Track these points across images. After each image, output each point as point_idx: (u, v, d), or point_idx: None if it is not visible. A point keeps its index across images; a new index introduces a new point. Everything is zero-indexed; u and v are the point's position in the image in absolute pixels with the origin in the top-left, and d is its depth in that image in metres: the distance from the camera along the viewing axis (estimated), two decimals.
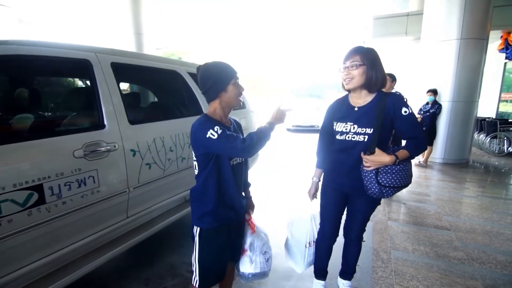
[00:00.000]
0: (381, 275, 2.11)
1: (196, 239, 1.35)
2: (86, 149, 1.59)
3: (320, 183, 1.80)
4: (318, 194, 1.82)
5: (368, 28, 9.84)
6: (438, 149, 5.70)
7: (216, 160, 1.29)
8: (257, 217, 1.65)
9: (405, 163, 1.42)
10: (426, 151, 5.43)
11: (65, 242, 1.55)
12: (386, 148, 1.46)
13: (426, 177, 4.82)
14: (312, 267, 1.92)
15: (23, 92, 1.94)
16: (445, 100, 5.49)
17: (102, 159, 1.67)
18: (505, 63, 8.23)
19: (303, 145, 8.43)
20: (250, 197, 1.64)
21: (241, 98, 1.38)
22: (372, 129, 1.42)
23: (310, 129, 11.53)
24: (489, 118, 7.66)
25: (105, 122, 1.75)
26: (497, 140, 6.76)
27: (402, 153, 1.41)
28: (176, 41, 18.63)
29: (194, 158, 1.32)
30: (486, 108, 8.49)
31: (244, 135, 1.31)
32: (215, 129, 1.20)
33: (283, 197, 3.88)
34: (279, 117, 1.35)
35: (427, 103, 5.39)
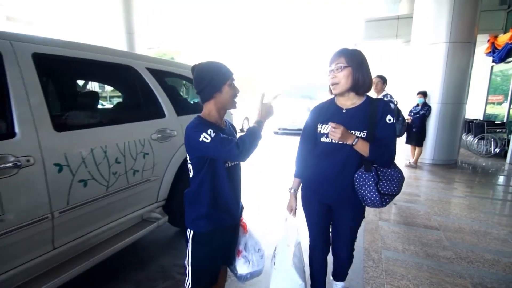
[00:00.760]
0: (372, 275, 2.12)
1: (190, 242, 1.33)
2: None
3: (299, 195, 1.65)
4: (300, 206, 1.67)
5: (359, 31, 9.96)
6: (428, 150, 5.80)
7: (210, 163, 1.26)
8: (247, 215, 1.65)
9: (400, 170, 1.38)
10: (416, 152, 5.53)
11: None
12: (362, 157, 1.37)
13: (416, 177, 4.90)
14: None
15: None
16: (434, 102, 5.60)
17: (7, 178, 1.32)
18: (492, 66, 8.43)
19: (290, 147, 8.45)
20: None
21: (236, 100, 1.34)
22: (363, 132, 1.35)
23: (298, 133, 10.94)
24: (476, 120, 7.83)
25: (16, 130, 1.38)
26: (485, 141, 6.92)
27: (364, 143, 1.32)
28: (169, 41, 18.47)
29: (189, 161, 1.30)
30: (474, 110, 8.69)
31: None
32: (208, 132, 1.16)
33: (272, 199, 3.89)
34: (265, 112, 1.30)
35: (417, 105, 5.48)
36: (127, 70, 2.19)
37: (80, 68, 2.10)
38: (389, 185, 1.34)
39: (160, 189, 2.30)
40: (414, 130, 5.44)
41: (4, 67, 1.40)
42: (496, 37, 7.65)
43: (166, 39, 18.42)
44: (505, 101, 7.81)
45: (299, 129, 10.43)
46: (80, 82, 2.99)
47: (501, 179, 5.06)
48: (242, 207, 1.60)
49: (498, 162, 6.24)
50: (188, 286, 1.34)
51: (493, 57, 7.83)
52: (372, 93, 3.35)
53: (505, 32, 7.43)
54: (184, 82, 3.26)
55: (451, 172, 5.28)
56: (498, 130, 6.87)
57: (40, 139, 1.46)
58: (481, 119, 8.31)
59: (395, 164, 1.39)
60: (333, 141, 1.40)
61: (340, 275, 1.78)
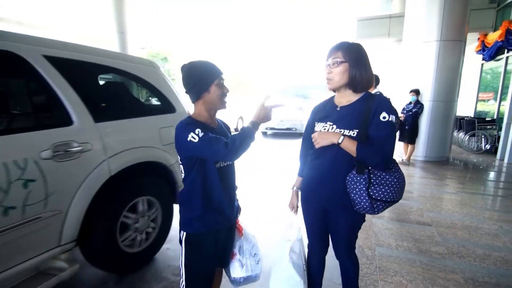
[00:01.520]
0: (366, 272, 2.14)
1: (183, 243, 1.32)
2: None
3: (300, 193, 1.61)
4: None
5: (352, 30, 10.02)
6: (420, 147, 5.87)
7: (200, 164, 1.24)
8: (244, 219, 1.64)
9: (399, 175, 1.25)
10: (409, 150, 5.59)
11: None
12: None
13: (409, 174, 4.95)
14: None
15: None
16: (426, 99, 5.67)
17: None
18: (482, 64, 8.56)
19: (280, 148, 8.48)
20: (237, 200, 1.58)
21: (225, 100, 1.32)
22: (354, 131, 1.26)
23: (287, 133, 10.08)
24: (467, 117, 7.95)
25: None
26: (475, 138, 7.03)
27: (351, 142, 1.23)
28: (162, 41, 18.33)
29: (180, 162, 1.29)
30: (465, 107, 8.82)
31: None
32: (196, 132, 1.15)
33: (265, 198, 3.89)
34: (263, 115, 1.25)
35: (410, 103, 5.54)
36: (7, 58, 1.52)
37: None
38: (382, 190, 1.22)
39: (63, 228, 1.66)
40: (406, 127, 5.51)
41: None
42: (486, 35, 7.77)
43: (159, 38, 18.28)
44: (495, 98, 7.94)
45: (288, 129, 9.45)
46: None
47: (491, 175, 5.14)
48: (239, 209, 1.58)
49: (489, 158, 6.34)
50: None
51: (483, 55, 7.94)
52: None
53: (494, 30, 7.54)
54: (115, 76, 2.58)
55: (443, 169, 5.35)
56: (488, 127, 6.98)
57: None
58: (472, 116, 8.44)
59: (395, 169, 1.27)
60: None
61: None
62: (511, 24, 6.45)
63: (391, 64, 11.06)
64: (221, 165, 1.31)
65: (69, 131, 1.69)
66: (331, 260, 1.65)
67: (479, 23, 7.67)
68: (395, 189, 1.23)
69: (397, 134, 5.74)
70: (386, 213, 3.25)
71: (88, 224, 1.80)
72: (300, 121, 9.80)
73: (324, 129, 1.35)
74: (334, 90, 1.39)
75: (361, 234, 2.72)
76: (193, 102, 1.30)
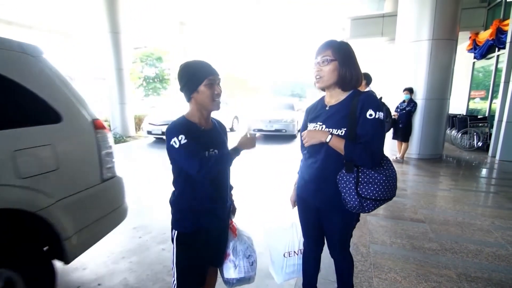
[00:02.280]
0: (361, 269, 2.16)
1: (174, 242, 1.32)
2: None
3: None
4: None
5: (345, 28, 10.07)
6: (414, 145, 5.93)
7: None
8: (240, 219, 1.63)
9: (390, 173, 1.24)
10: (402, 148, 5.65)
11: None
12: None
13: (403, 172, 5.00)
14: (294, 280, 1.81)
15: None
16: (419, 98, 5.73)
17: None
18: (474, 63, 8.69)
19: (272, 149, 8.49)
20: (232, 201, 1.58)
21: (219, 100, 1.29)
22: (342, 130, 1.25)
23: (276, 135, 8.97)
24: (460, 115, 8.06)
25: None
26: (468, 135, 7.13)
27: (339, 140, 1.23)
28: (158, 40, 18.18)
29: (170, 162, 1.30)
30: (457, 105, 8.94)
31: (231, 139, 1.24)
32: (179, 138, 1.15)
33: (260, 198, 3.90)
34: (246, 143, 1.30)
35: (404, 101, 5.59)
36: None
37: None
38: (371, 188, 1.21)
39: None
40: (400, 126, 5.55)
41: None
42: (477, 34, 7.89)
43: (155, 38, 18.14)
44: (486, 96, 8.05)
45: (278, 131, 8.40)
46: None
47: (484, 172, 5.22)
48: (234, 209, 1.58)
49: (481, 155, 6.43)
50: (174, 287, 1.33)
51: (475, 53, 8.07)
52: None
53: (485, 29, 7.66)
54: None
55: (436, 166, 5.42)
56: (480, 124, 7.08)
57: None
58: (464, 114, 8.56)
59: (387, 166, 1.25)
60: None
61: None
62: (502, 23, 6.56)
63: (384, 63, 11.14)
64: None
65: None
66: (326, 258, 1.66)
67: (470, 22, 7.78)
68: (384, 187, 1.22)
69: (391, 132, 5.80)
70: (380, 210, 3.28)
71: None
72: (292, 122, 8.77)
73: (315, 129, 1.35)
74: (323, 89, 1.39)
75: (355, 231, 2.74)
76: (187, 101, 1.30)
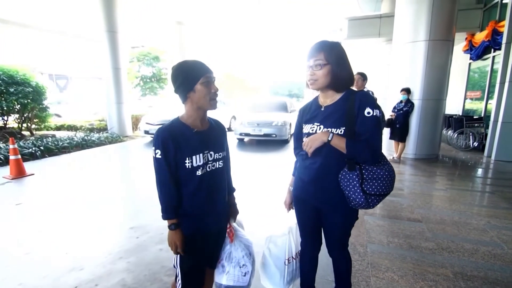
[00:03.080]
0: (358, 268, 2.17)
1: None
2: None
3: None
4: None
5: (342, 29, 10.09)
6: (410, 145, 5.96)
7: (176, 173, 1.25)
8: (245, 226, 1.62)
9: (389, 168, 1.28)
10: (399, 148, 5.68)
11: None
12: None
13: (400, 172, 5.03)
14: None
15: None
16: (416, 98, 5.76)
17: None
18: (470, 63, 8.75)
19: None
20: (234, 204, 1.55)
21: (215, 99, 1.27)
22: (341, 129, 1.27)
23: (265, 139, 7.97)
24: (456, 115, 8.11)
25: None
26: (464, 135, 7.18)
27: (340, 139, 1.25)
28: (155, 40, 18.11)
29: None
30: (453, 105, 9.00)
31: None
32: (157, 151, 1.20)
33: (258, 205, 3.90)
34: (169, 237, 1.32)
35: (401, 102, 5.62)
36: None
37: None
38: (375, 184, 1.24)
39: None
40: (397, 126, 5.59)
41: None
42: (473, 35, 7.94)
43: (151, 37, 18.06)
44: (482, 97, 8.12)
45: (267, 135, 7.50)
46: None
47: (479, 171, 5.26)
48: (235, 212, 1.56)
49: (477, 155, 6.48)
50: (179, 286, 1.34)
51: (471, 54, 8.12)
52: None
53: (481, 30, 7.71)
54: None
55: (433, 166, 5.45)
56: (476, 124, 7.13)
57: None
58: (460, 114, 8.62)
59: (384, 162, 1.29)
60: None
61: (341, 286, 1.63)
62: (497, 24, 6.61)
63: (381, 63, 11.18)
64: (204, 172, 1.28)
65: None
66: (324, 257, 1.67)
67: (466, 23, 7.83)
68: (387, 181, 1.26)
69: (388, 132, 5.83)
70: (378, 210, 3.30)
71: None
72: (284, 125, 7.66)
73: (312, 130, 1.36)
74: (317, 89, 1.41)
75: (353, 231, 2.73)
76: (183, 102, 1.27)
